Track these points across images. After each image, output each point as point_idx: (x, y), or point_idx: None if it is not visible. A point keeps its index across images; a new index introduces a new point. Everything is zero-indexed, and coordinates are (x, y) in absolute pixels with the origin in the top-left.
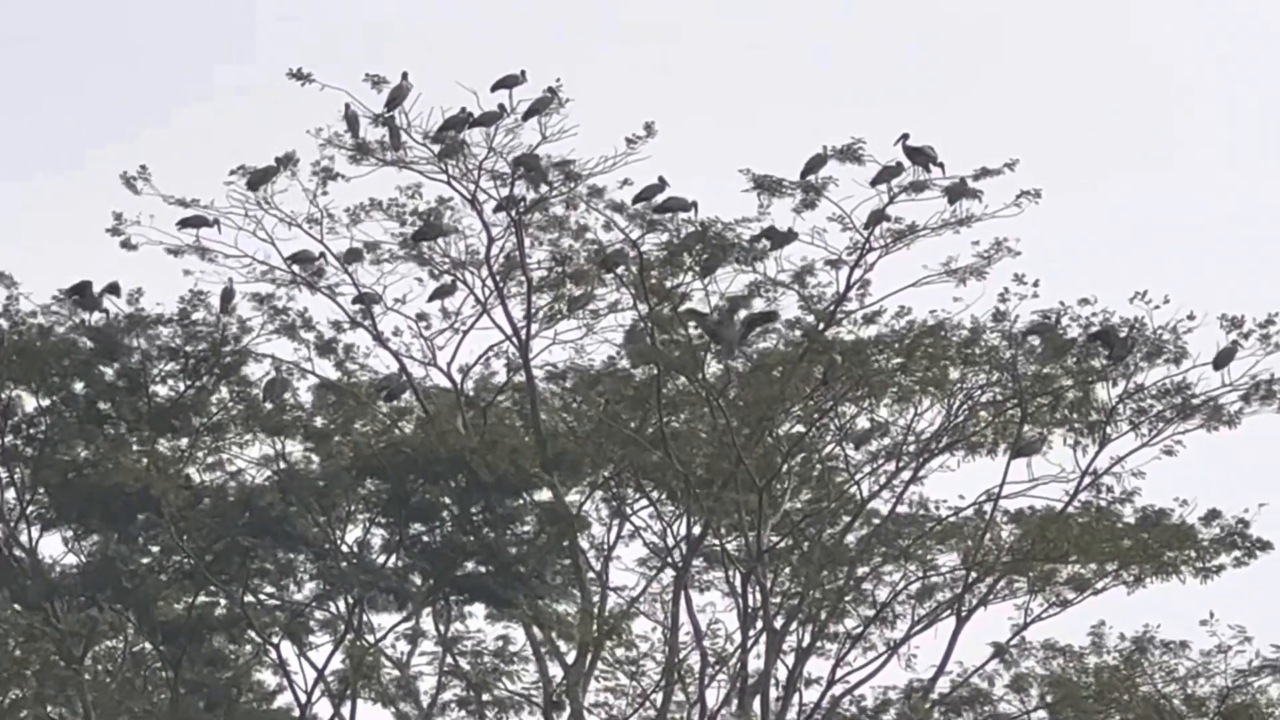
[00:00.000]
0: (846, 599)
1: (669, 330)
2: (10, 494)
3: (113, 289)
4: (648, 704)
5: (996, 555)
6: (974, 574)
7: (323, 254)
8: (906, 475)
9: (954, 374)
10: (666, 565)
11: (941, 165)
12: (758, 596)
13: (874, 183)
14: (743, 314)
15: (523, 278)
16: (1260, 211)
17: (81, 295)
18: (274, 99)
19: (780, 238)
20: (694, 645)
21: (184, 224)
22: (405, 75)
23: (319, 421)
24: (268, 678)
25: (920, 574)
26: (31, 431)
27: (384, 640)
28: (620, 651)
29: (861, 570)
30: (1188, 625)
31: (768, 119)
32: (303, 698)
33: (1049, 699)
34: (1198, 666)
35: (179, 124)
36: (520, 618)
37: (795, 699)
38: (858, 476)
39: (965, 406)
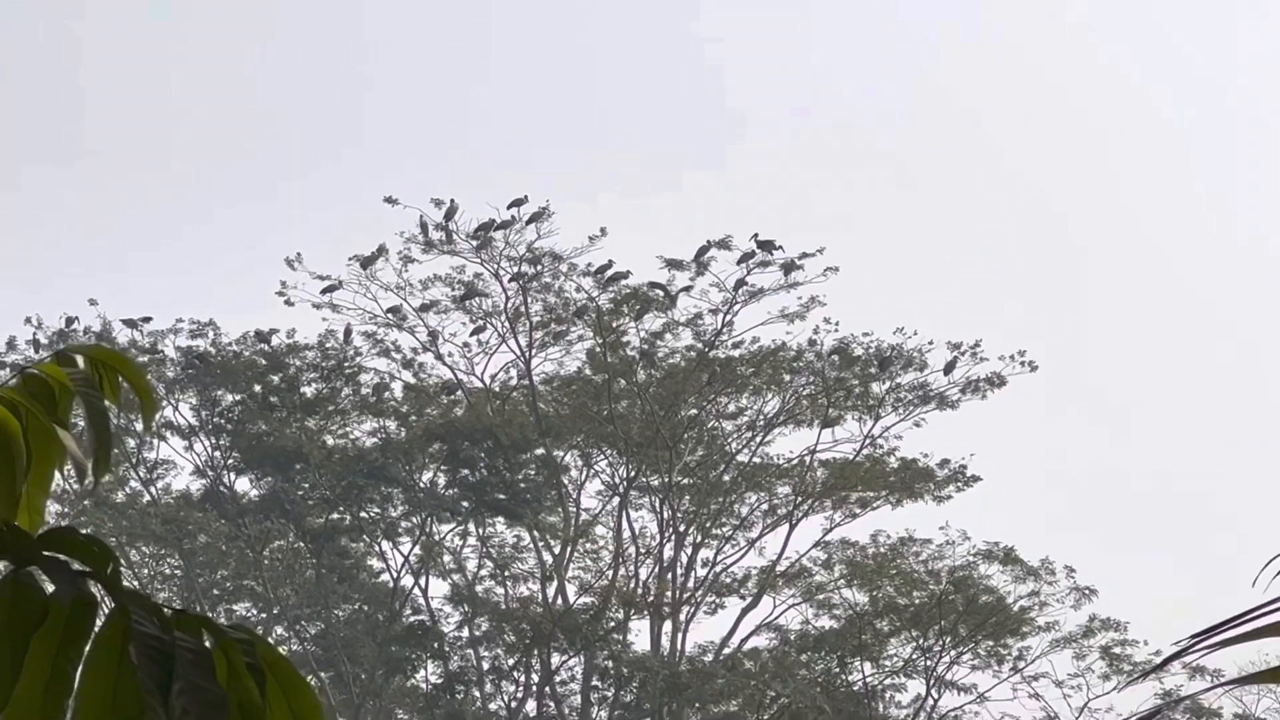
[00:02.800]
0: (722, 515)
1: (614, 353)
2: (217, 454)
3: (266, 335)
4: (603, 577)
5: (813, 486)
6: (800, 498)
7: (404, 306)
8: (759, 439)
9: (786, 378)
10: (615, 494)
11: (781, 248)
12: (669, 513)
13: (738, 262)
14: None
15: (526, 321)
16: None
17: (261, 336)
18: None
19: (671, 298)
20: (631, 542)
21: (324, 291)
22: (454, 200)
23: (404, 408)
24: (375, 563)
25: (767, 498)
26: (229, 415)
27: (444, 539)
28: (586, 546)
29: (731, 497)
30: (931, 529)
31: (675, 215)
32: (395, 574)
33: (845, 573)
34: (936, 552)
35: (311, 222)
36: (526, 525)
37: (692, 575)
38: (730, 440)
39: (793, 397)
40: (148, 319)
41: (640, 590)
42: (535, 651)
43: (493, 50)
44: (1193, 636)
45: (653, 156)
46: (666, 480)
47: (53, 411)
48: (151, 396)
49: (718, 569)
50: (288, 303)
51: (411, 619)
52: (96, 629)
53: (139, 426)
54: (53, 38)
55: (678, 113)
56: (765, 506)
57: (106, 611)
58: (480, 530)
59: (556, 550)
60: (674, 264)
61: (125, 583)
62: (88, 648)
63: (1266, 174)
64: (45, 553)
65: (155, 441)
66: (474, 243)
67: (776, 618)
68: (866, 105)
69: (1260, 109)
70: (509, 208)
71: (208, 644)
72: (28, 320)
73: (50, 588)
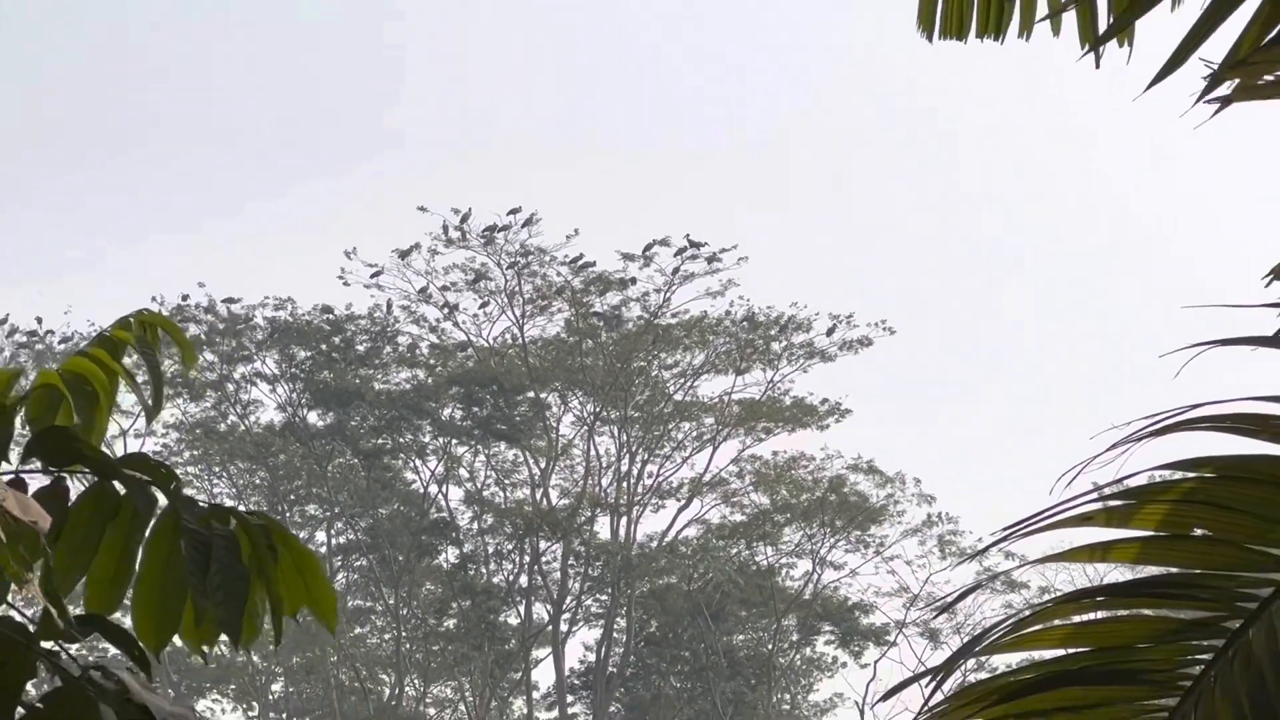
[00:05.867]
0: (663, 440)
1: (584, 321)
2: (294, 395)
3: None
4: (577, 485)
5: (730, 419)
6: (720, 427)
7: (430, 287)
8: (690, 384)
9: (710, 339)
10: (585, 425)
11: (706, 244)
12: (624, 438)
13: (676, 254)
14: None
15: (520, 298)
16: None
17: (326, 308)
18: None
19: (615, 283)
20: (596, 460)
21: (372, 275)
22: (470, 209)
23: (431, 362)
24: (409, 475)
25: (696, 428)
26: (303, 367)
27: (460, 457)
28: (564, 462)
29: (670, 426)
30: (815, 449)
31: (633, 213)
32: (424, 484)
33: (752, 481)
34: (818, 466)
35: (363, 221)
36: (520, 447)
37: (640, 484)
38: (669, 384)
39: (715, 353)
40: (239, 299)
41: (603, 495)
42: (526, 540)
43: (506, 69)
44: (1005, 528)
45: (609, 162)
46: (622, 414)
47: (120, 363)
48: (189, 345)
49: (660, 479)
50: (345, 284)
51: (436, 516)
52: (155, 522)
53: (232, 385)
54: (124, 48)
55: (636, 126)
56: (695, 433)
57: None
58: (487, 451)
59: (543, 465)
60: (628, 256)
61: (195, 493)
62: (148, 534)
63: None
64: (124, 469)
65: (235, 390)
66: (482, 240)
67: (703, 514)
68: (794, 117)
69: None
70: (508, 214)
71: (234, 528)
72: (152, 299)
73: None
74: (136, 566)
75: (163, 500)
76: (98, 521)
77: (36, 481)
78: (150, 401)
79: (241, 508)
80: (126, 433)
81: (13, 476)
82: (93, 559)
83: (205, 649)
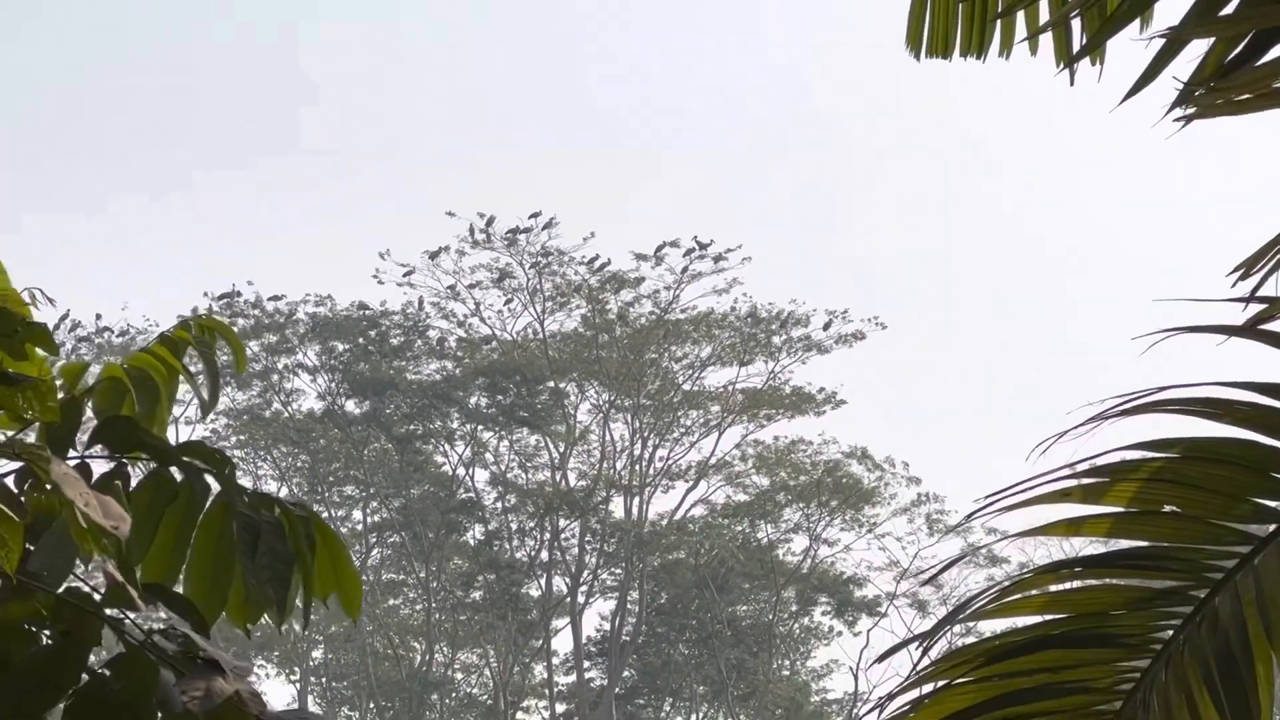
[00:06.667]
0: (672, 426)
1: (600, 316)
2: (333, 385)
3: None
4: (593, 468)
5: (734, 406)
6: (725, 414)
7: (458, 285)
8: (697, 374)
9: (716, 333)
10: (600, 412)
11: (713, 242)
12: (637, 424)
13: (685, 254)
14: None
15: (540, 295)
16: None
17: (362, 304)
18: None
19: (629, 281)
20: (611, 444)
21: (405, 274)
22: (494, 216)
23: (459, 354)
24: (439, 458)
25: (703, 415)
26: (342, 358)
27: (486, 442)
28: (581, 447)
29: (679, 413)
30: (813, 435)
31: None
32: (452, 466)
33: (755, 464)
34: (816, 450)
35: (396, 224)
36: (541, 433)
37: (652, 466)
38: (678, 375)
39: (720, 346)
40: (283, 295)
41: (618, 476)
42: (547, 518)
43: (522, 87)
44: (986, 497)
45: (622, 166)
46: (635, 402)
47: (180, 361)
48: (242, 348)
49: (669, 462)
50: (379, 282)
51: (463, 496)
52: (207, 506)
53: (276, 376)
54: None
55: (632, 135)
56: (702, 420)
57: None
58: (510, 436)
59: (562, 450)
60: (641, 256)
61: (244, 479)
62: (200, 518)
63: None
64: (181, 456)
65: (279, 379)
66: (505, 242)
67: (709, 495)
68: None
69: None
70: (529, 218)
71: (278, 515)
72: (205, 294)
73: (179, 477)
74: (189, 551)
75: (215, 486)
76: (157, 504)
77: (101, 466)
78: (207, 396)
79: (284, 490)
80: (178, 420)
81: (79, 461)
82: (153, 539)
83: (249, 626)
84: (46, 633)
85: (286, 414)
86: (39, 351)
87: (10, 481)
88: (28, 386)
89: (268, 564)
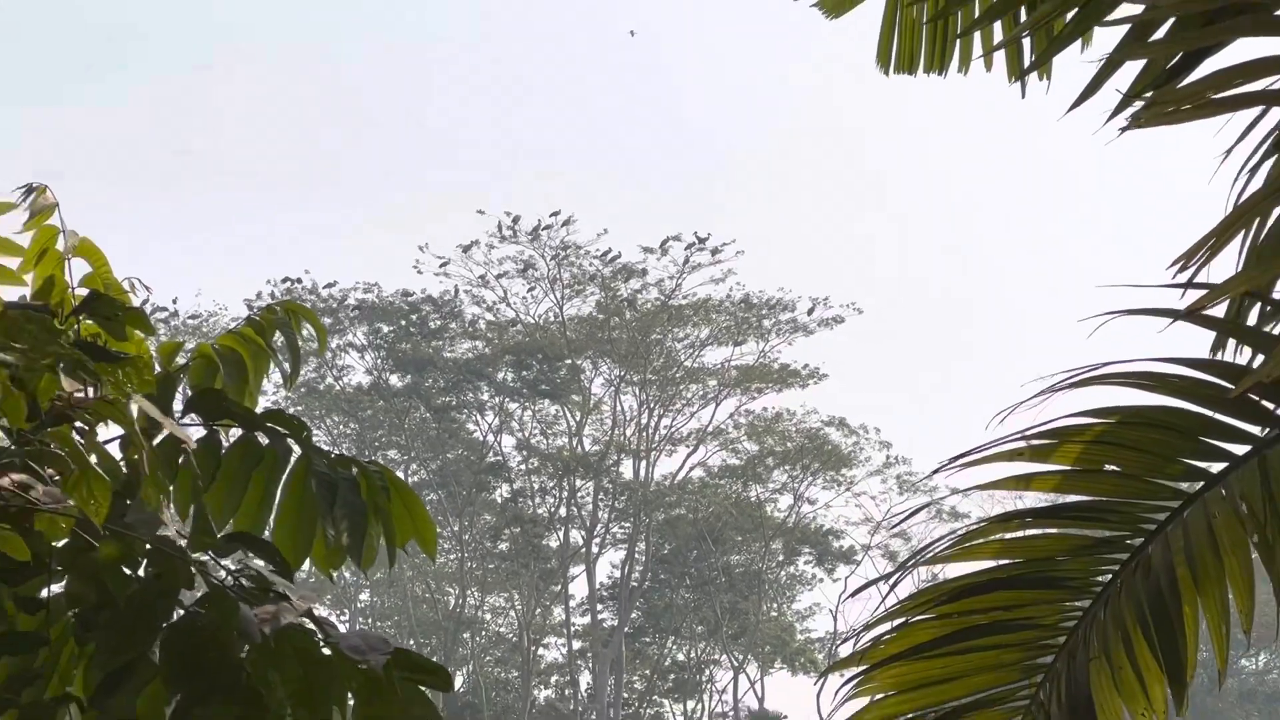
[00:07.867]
0: (675, 398)
1: (612, 302)
2: (379, 361)
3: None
4: (606, 434)
5: (729, 381)
6: (721, 388)
7: (488, 274)
8: (697, 353)
9: (713, 316)
10: (612, 386)
11: (709, 236)
12: (644, 396)
13: (686, 247)
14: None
15: (559, 283)
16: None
17: (404, 292)
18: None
19: (637, 272)
20: (621, 414)
21: (441, 265)
22: (519, 215)
23: (489, 335)
24: (471, 426)
25: (702, 388)
26: (386, 338)
27: (512, 412)
28: (595, 416)
29: (680, 387)
30: (797, 406)
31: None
32: (483, 433)
33: (746, 432)
34: (800, 419)
35: (435, 219)
36: (560, 404)
37: (657, 434)
38: (679, 353)
39: (717, 328)
40: (335, 282)
41: (627, 442)
42: (565, 479)
43: (537, 97)
44: (949, 459)
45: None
46: (642, 377)
47: (267, 341)
48: (324, 330)
49: (672, 430)
50: (419, 272)
51: (492, 459)
52: (290, 467)
53: (328, 354)
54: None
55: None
56: (700, 393)
57: (296, 456)
58: (533, 407)
59: (578, 419)
60: (647, 249)
61: (314, 441)
62: (284, 478)
63: None
64: (266, 423)
65: (332, 356)
66: (529, 237)
67: (707, 459)
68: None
69: None
70: (550, 216)
71: (355, 473)
72: (268, 281)
73: (265, 442)
74: (274, 507)
75: (296, 449)
76: (246, 466)
77: (195, 433)
78: (289, 370)
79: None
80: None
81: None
82: (243, 497)
83: (332, 572)
84: (143, 574)
85: (338, 387)
86: (137, 333)
87: (115, 449)
88: (128, 363)
89: (345, 514)
